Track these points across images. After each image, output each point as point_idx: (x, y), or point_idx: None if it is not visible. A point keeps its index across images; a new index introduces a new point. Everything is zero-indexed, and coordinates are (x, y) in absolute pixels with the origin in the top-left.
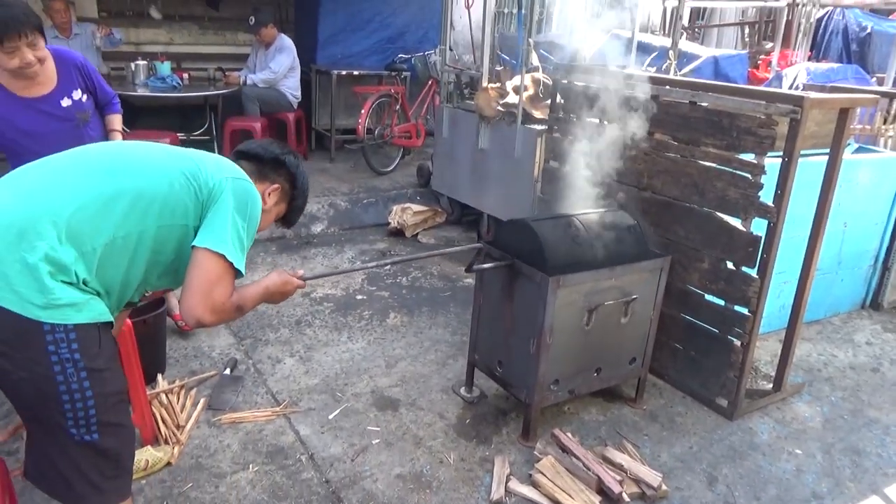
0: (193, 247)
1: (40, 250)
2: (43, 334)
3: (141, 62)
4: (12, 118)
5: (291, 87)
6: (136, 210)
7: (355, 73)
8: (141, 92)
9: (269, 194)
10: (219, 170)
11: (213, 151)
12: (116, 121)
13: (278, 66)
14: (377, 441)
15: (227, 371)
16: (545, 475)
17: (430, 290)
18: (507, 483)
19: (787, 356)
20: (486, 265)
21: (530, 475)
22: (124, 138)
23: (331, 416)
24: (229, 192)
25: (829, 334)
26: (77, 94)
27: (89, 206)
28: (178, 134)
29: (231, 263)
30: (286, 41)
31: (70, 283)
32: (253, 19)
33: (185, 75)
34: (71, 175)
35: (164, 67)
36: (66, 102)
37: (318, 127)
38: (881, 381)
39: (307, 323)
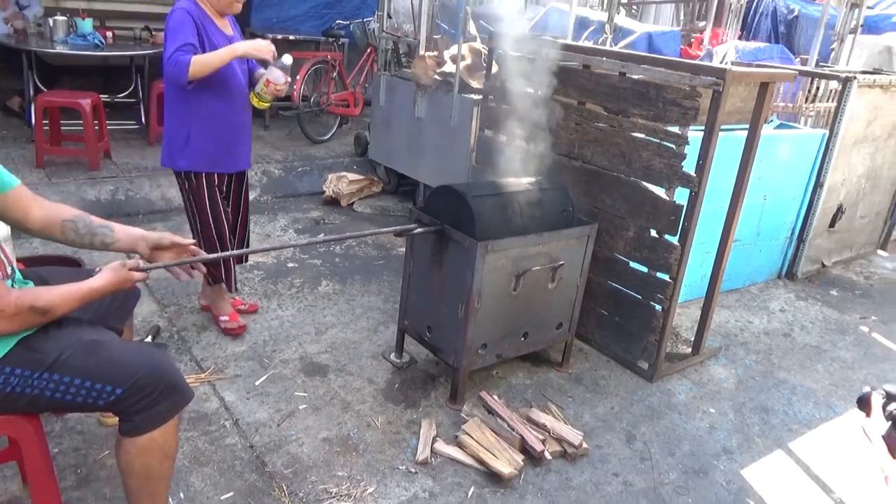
0: None
1: None
2: None
3: (60, 18)
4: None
5: None
6: None
7: (291, 38)
8: (60, 49)
9: None
10: None
11: (139, 114)
12: (262, 70)
13: None
14: (304, 406)
15: (149, 339)
16: (470, 436)
17: (364, 258)
18: (432, 444)
19: (705, 322)
20: (416, 230)
21: (456, 436)
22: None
23: (257, 383)
24: None
25: (747, 302)
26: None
27: None
28: (102, 96)
29: None
30: None
31: None
32: None
33: (109, 34)
34: None
35: (86, 24)
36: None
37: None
38: (791, 345)
39: (235, 289)
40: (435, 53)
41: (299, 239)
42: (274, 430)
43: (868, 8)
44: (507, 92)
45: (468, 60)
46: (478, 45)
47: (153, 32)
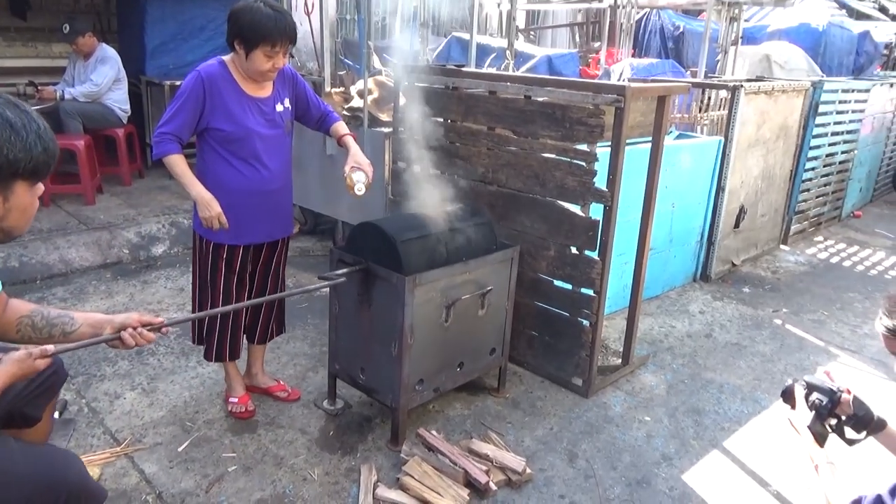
0: None
1: None
2: None
3: None
4: (243, 114)
5: (119, 101)
6: None
7: None
8: None
9: None
10: None
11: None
12: (343, 126)
13: (101, 79)
14: (234, 468)
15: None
16: (413, 476)
17: (286, 302)
18: (374, 490)
19: (631, 331)
20: (340, 272)
21: (398, 479)
22: None
23: (180, 449)
24: None
25: (668, 307)
26: (287, 103)
27: None
28: None
29: None
30: (108, 51)
31: None
32: (67, 27)
33: None
34: None
35: None
36: (279, 108)
37: (152, 142)
38: (713, 345)
39: (150, 351)
40: (341, 89)
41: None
42: (202, 499)
43: (745, 21)
44: (416, 123)
45: (375, 94)
46: (384, 78)
47: (38, 88)
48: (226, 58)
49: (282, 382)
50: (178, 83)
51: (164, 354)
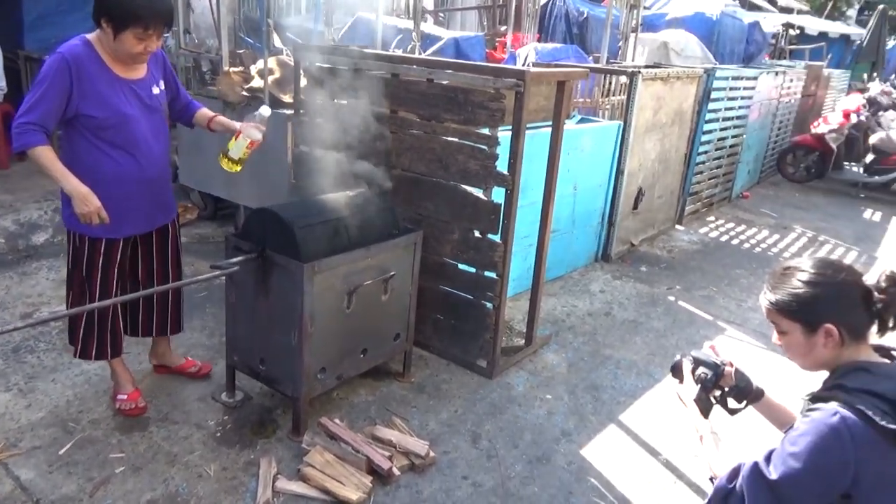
0: None
1: None
2: None
3: None
4: (116, 98)
5: None
6: None
7: None
8: None
9: None
10: None
11: None
12: (208, 110)
13: None
14: (122, 469)
15: None
16: (314, 466)
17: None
18: (273, 483)
19: (534, 312)
20: (234, 259)
21: (299, 470)
22: None
23: (61, 452)
24: None
25: (570, 287)
26: (162, 85)
27: None
28: None
29: None
30: None
31: None
32: None
33: None
34: None
35: None
36: (155, 90)
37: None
38: (612, 322)
39: (29, 349)
40: (241, 69)
41: None
42: (86, 503)
43: (645, 8)
44: (318, 105)
45: (277, 74)
46: (286, 58)
47: None
48: (90, 36)
49: (190, 359)
50: None
51: (44, 351)
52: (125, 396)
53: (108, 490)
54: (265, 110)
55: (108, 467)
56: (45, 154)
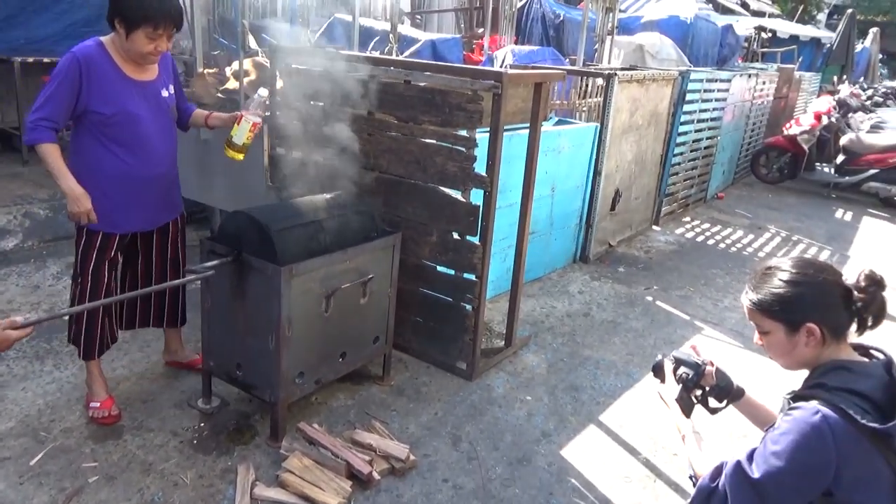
0: None
1: None
2: None
3: None
4: (125, 97)
5: None
6: None
7: (45, 60)
8: None
9: None
10: None
11: None
12: (203, 111)
13: None
14: (95, 478)
15: None
16: (293, 472)
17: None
18: (251, 490)
19: (513, 313)
20: (210, 263)
21: (277, 476)
22: None
23: (33, 462)
24: None
25: (549, 288)
26: (171, 89)
27: None
28: None
29: None
30: None
31: None
32: None
33: None
34: None
35: None
36: (164, 94)
37: (2, 125)
38: (591, 323)
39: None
40: (215, 70)
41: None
42: None
43: (621, 11)
44: (294, 107)
45: (252, 76)
46: (262, 59)
47: None
48: (104, 38)
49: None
50: (30, 60)
51: (14, 359)
52: (98, 404)
53: (81, 501)
54: (263, 92)
55: (80, 477)
56: (51, 152)
